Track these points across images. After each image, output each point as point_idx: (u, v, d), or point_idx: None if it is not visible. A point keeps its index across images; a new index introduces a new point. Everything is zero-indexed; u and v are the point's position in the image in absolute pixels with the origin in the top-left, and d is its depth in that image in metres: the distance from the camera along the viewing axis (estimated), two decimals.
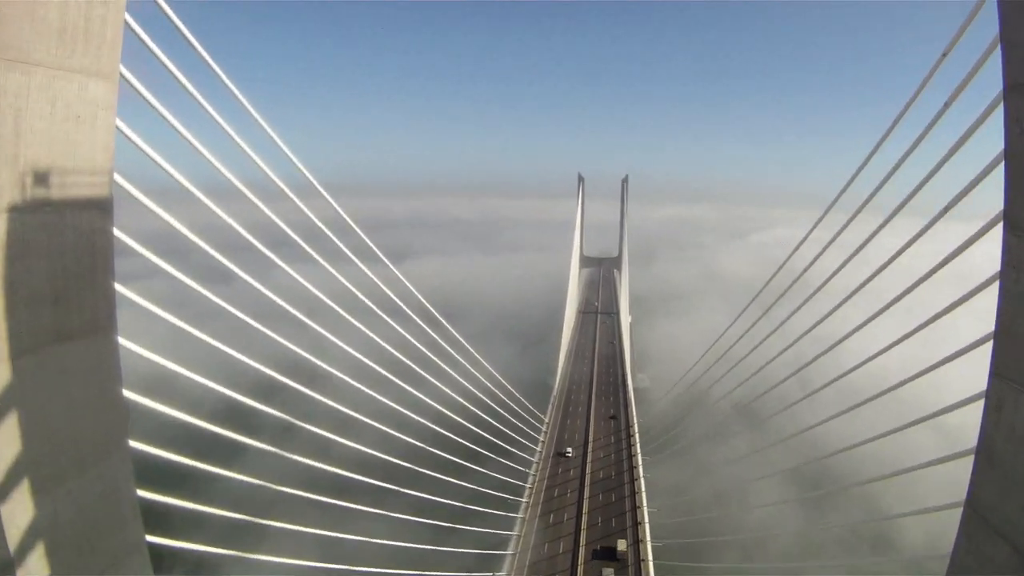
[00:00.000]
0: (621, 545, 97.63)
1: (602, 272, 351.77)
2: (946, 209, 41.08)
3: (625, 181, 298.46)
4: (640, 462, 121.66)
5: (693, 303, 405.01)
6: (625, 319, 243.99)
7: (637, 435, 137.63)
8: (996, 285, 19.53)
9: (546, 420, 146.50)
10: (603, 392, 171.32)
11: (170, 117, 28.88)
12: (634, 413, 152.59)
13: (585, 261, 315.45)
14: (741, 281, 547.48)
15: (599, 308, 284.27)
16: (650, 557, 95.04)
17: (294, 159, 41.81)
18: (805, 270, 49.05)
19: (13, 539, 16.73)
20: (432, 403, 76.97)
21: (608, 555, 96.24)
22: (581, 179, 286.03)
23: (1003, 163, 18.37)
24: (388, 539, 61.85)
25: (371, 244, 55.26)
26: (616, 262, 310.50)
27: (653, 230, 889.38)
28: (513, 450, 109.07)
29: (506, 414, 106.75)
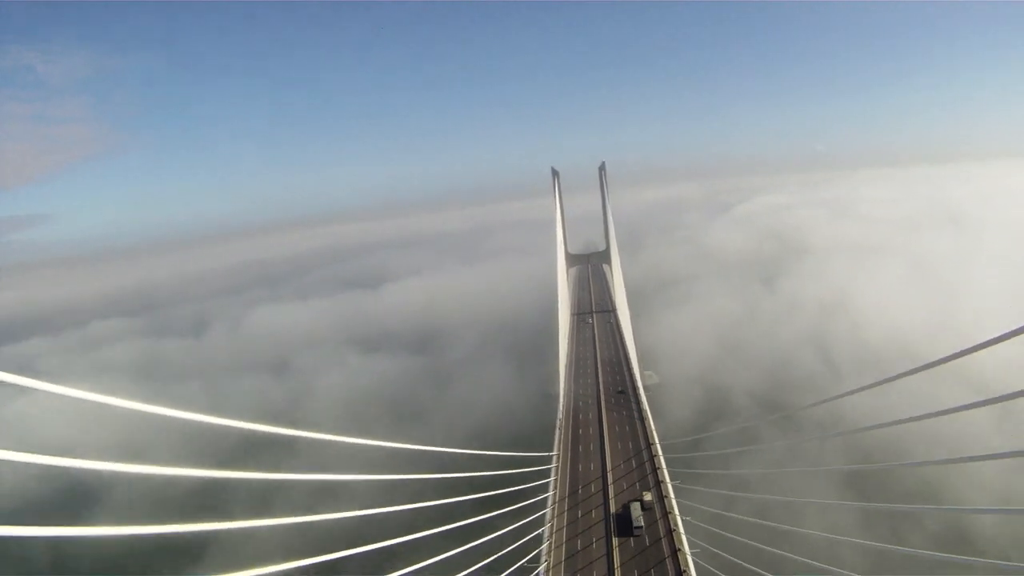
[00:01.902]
0: None
1: (591, 268, 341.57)
2: None
3: (602, 169, 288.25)
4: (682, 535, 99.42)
5: (691, 288, 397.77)
6: (624, 317, 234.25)
7: (666, 471, 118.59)
8: None
9: (555, 452, 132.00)
10: (613, 407, 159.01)
11: None
12: (652, 430, 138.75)
13: (571, 259, 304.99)
14: (735, 257, 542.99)
15: (593, 307, 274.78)
16: None
17: None
18: None
19: None
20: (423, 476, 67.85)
21: None
22: (555, 173, 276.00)
23: None
24: None
25: None
26: (604, 256, 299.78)
27: (636, 216, 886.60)
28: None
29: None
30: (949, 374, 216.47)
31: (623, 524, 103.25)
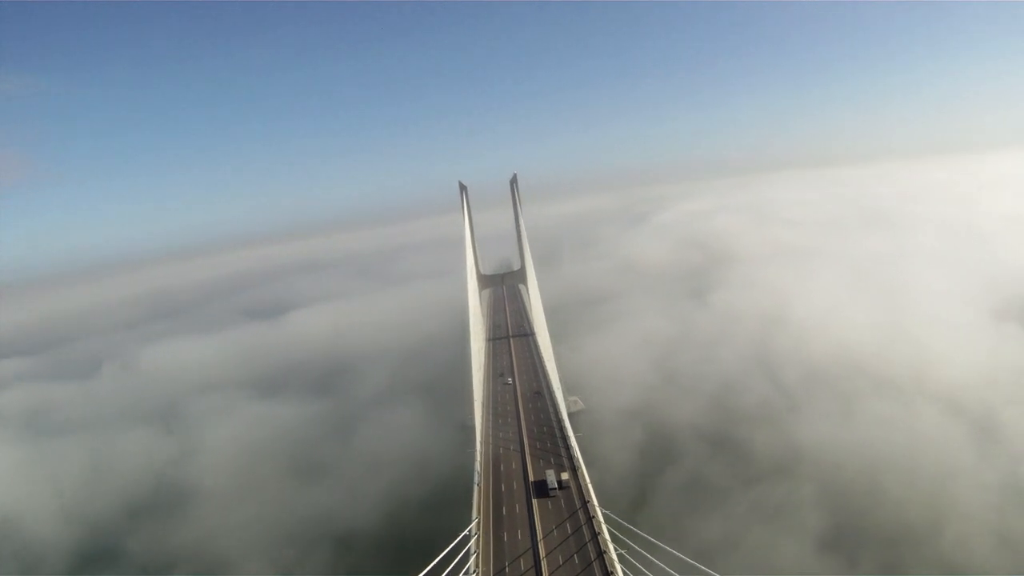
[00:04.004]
0: None
1: (505, 290, 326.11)
2: None
3: (514, 182, 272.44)
4: None
5: (616, 306, 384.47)
6: (545, 341, 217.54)
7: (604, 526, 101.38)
8: None
9: (474, 520, 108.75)
10: (539, 452, 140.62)
11: None
12: (588, 485, 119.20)
13: (485, 281, 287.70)
14: (659, 270, 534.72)
15: (510, 332, 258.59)
16: None
17: None
18: None
19: None
20: None
21: None
22: (463, 188, 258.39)
23: None
24: None
25: None
26: (520, 275, 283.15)
27: (552, 230, 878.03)
28: None
29: None
30: (919, 393, 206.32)
31: (540, 488, 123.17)
